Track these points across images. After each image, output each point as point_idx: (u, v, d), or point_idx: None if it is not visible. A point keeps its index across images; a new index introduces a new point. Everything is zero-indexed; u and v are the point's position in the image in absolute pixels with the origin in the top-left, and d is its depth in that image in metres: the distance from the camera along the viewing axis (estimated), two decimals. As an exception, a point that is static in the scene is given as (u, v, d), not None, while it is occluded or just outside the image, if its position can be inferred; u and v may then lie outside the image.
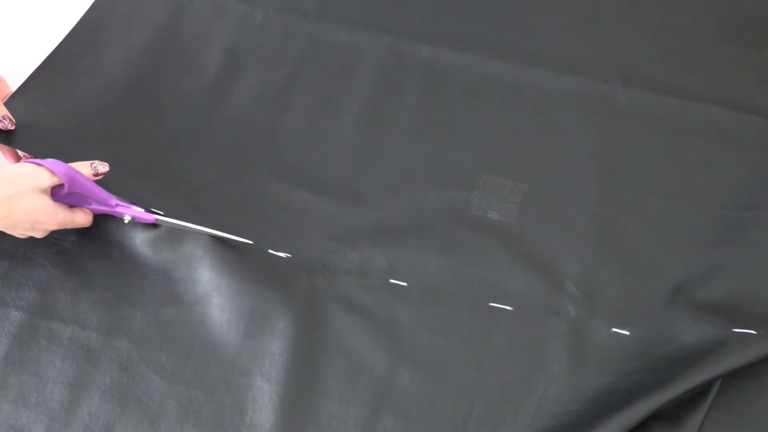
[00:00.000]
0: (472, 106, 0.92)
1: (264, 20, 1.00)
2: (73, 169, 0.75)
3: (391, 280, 0.80)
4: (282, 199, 0.85)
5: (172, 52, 0.97)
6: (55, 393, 0.76)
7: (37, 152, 0.82)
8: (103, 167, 0.78)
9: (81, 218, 0.78)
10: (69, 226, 0.77)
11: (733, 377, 0.71)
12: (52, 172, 0.73)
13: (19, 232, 0.76)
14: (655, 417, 0.69)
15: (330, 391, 0.74)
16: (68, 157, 0.76)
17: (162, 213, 0.80)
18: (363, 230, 0.83)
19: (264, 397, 0.74)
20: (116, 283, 0.81)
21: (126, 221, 0.79)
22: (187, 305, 0.79)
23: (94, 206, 0.78)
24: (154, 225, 0.81)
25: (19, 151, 0.84)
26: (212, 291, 0.79)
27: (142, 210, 0.79)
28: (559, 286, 0.78)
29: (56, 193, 0.75)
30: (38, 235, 0.77)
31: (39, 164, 0.73)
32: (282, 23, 1.00)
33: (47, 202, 0.74)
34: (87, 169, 0.77)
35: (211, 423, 0.73)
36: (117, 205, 0.79)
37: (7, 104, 0.85)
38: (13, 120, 0.82)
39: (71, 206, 0.77)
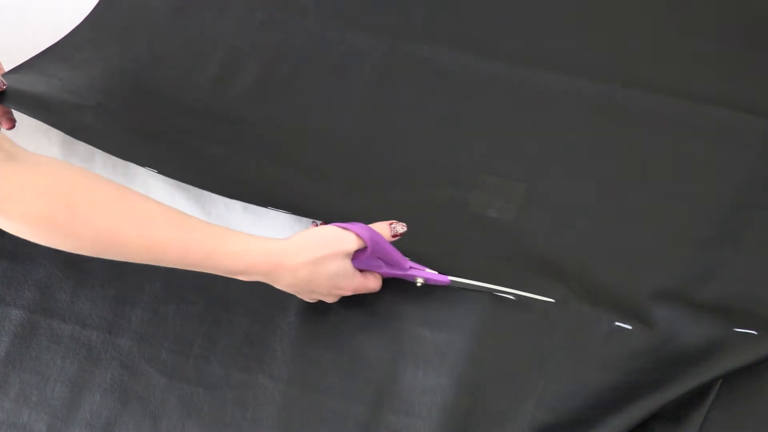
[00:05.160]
0: (471, 106, 0.92)
1: (264, 20, 1.00)
2: (375, 232, 0.72)
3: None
4: (281, 196, 0.85)
5: (173, 51, 0.97)
6: (56, 391, 0.76)
7: (30, 114, 0.81)
8: (401, 227, 0.75)
9: (373, 283, 0.75)
10: (361, 292, 0.75)
11: (733, 377, 0.71)
12: (358, 236, 0.71)
13: (313, 297, 0.74)
14: (655, 417, 0.69)
15: (331, 388, 0.74)
16: (63, 123, 0.73)
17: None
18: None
19: (265, 394, 0.74)
20: (116, 280, 0.81)
21: (418, 284, 0.77)
22: (187, 302, 0.79)
23: (385, 270, 0.75)
24: None
25: (319, 222, 0.80)
26: (212, 288, 0.80)
27: (436, 273, 0.77)
28: (559, 285, 0.78)
29: (355, 257, 0.73)
30: (330, 300, 0.75)
31: (345, 228, 0.71)
32: (282, 23, 1.00)
33: (349, 266, 0.72)
34: (386, 230, 0.74)
35: (212, 419, 0.73)
36: (411, 268, 0.76)
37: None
38: (5, 82, 0.81)
39: (361, 270, 0.75)
